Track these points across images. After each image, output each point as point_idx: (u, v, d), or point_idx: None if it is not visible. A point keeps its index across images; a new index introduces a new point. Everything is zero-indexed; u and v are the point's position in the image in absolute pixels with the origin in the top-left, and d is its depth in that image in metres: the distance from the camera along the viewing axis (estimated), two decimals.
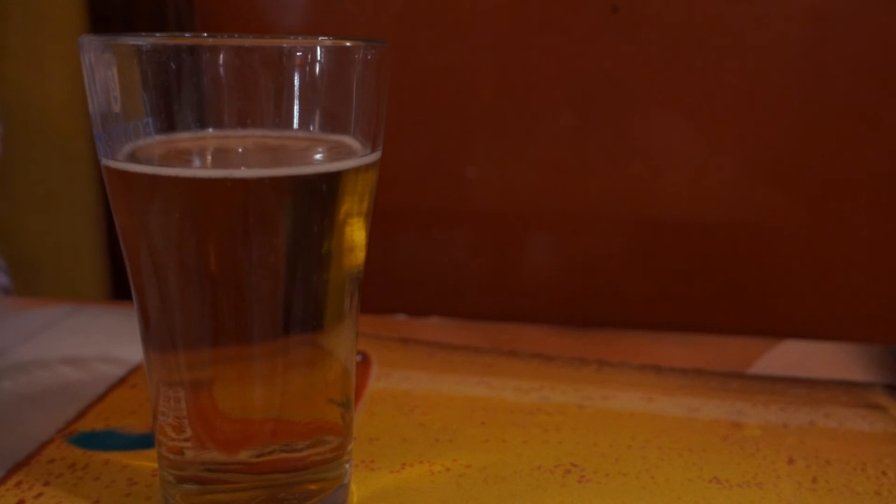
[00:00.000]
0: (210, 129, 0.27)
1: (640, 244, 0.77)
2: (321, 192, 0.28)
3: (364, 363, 0.47)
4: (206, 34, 0.26)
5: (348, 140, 0.29)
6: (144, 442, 0.37)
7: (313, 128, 0.28)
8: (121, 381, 0.44)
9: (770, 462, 0.37)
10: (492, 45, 0.75)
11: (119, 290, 0.89)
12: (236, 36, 0.26)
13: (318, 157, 0.28)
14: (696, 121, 0.74)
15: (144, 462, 0.35)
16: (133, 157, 0.27)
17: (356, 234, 0.30)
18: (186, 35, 0.26)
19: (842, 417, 0.41)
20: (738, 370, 0.47)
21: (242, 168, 0.27)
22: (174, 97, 0.26)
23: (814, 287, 0.76)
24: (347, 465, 0.32)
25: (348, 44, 0.27)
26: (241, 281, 0.27)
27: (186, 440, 0.29)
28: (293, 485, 0.30)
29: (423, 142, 0.78)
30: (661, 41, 0.72)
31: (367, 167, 0.29)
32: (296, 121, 0.27)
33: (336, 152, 0.28)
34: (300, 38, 0.26)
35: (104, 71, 0.26)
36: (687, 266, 0.77)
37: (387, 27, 0.76)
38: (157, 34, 0.26)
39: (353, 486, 0.34)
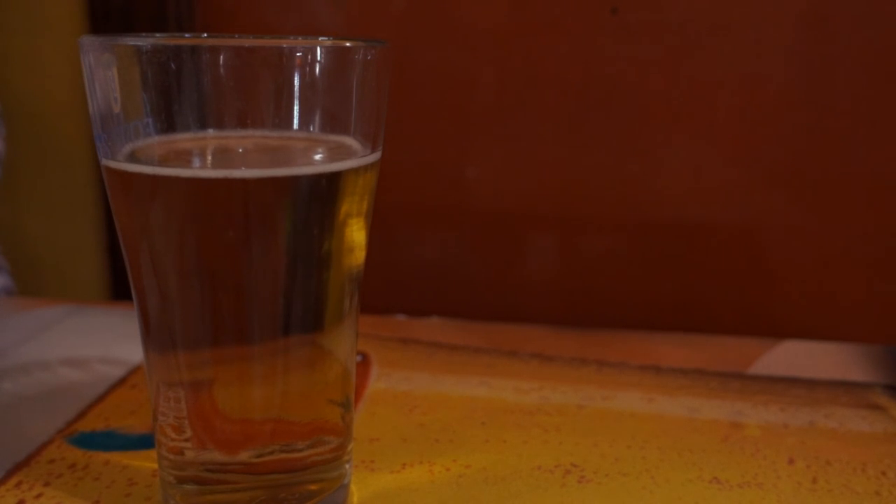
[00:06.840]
0: (210, 130, 0.27)
1: (640, 244, 0.77)
2: (321, 193, 0.27)
3: (364, 363, 0.47)
4: (206, 34, 0.26)
5: (348, 140, 0.29)
6: (144, 442, 0.37)
7: (313, 128, 0.28)
8: (121, 382, 0.44)
9: (770, 462, 0.37)
10: (491, 46, 0.75)
11: (119, 290, 0.89)
12: (236, 36, 0.25)
13: (317, 157, 0.28)
14: (695, 121, 0.74)
15: (144, 462, 0.35)
16: (133, 158, 0.27)
17: (356, 234, 0.30)
18: (186, 35, 0.26)
19: (842, 418, 0.41)
20: (738, 370, 0.47)
21: (242, 168, 0.27)
22: (174, 98, 0.26)
23: (814, 287, 0.76)
24: (347, 466, 0.32)
25: (348, 44, 0.27)
26: (240, 281, 0.27)
27: (186, 440, 0.29)
28: (293, 485, 0.30)
29: (423, 142, 0.78)
30: (661, 42, 0.72)
31: (367, 167, 0.29)
32: (296, 121, 0.27)
33: (336, 153, 0.28)
34: (300, 38, 0.26)
35: (104, 71, 0.26)
36: (687, 266, 0.77)
37: (387, 27, 0.77)
38: (157, 34, 0.26)
39: (353, 487, 0.34)
